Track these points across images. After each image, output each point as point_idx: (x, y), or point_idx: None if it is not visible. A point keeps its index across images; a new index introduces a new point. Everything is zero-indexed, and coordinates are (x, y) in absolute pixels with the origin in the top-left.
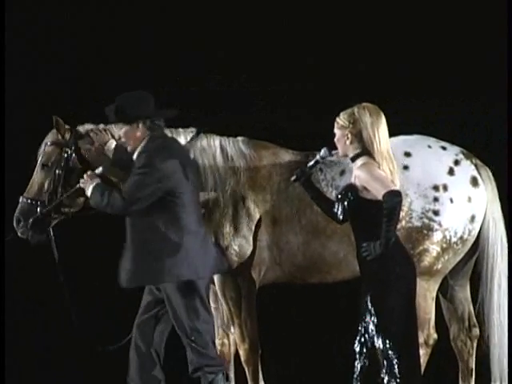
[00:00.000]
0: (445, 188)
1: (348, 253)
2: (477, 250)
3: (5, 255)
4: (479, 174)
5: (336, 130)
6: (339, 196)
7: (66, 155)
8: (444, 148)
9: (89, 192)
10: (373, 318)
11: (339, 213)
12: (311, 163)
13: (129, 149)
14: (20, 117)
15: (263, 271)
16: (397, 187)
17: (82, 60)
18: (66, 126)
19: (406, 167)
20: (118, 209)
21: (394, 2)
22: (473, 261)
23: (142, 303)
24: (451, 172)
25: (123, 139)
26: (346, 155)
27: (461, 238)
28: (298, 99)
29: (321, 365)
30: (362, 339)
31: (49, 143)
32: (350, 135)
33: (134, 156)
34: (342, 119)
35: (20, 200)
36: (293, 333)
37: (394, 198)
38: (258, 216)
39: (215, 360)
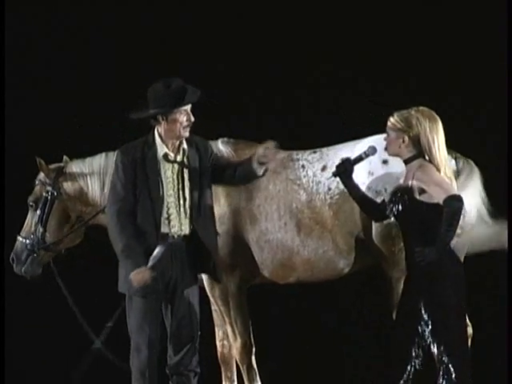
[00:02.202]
0: None
1: (329, 249)
2: None
3: (4, 256)
4: (458, 167)
5: (390, 131)
6: (393, 198)
7: (46, 195)
8: None
9: None
10: (428, 324)
11: (389, 214)
12: (354, 159)
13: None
14: (20, 117)
15: (249, 269)
16: (458, 192)
17: (82, 62)
18: (51, 166)
19: (385, 162)
20: None
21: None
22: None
23: (149, 312)
24: None
25: (188, 122)
26: (397, 156)
27: None
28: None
29: (318, 364)
30: (420, 342)
31: (37, 181)
32: (407, 139)
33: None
34: (398, 122)
35: (17, 238)
36: (290, 331)
37: (457, 202)
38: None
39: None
